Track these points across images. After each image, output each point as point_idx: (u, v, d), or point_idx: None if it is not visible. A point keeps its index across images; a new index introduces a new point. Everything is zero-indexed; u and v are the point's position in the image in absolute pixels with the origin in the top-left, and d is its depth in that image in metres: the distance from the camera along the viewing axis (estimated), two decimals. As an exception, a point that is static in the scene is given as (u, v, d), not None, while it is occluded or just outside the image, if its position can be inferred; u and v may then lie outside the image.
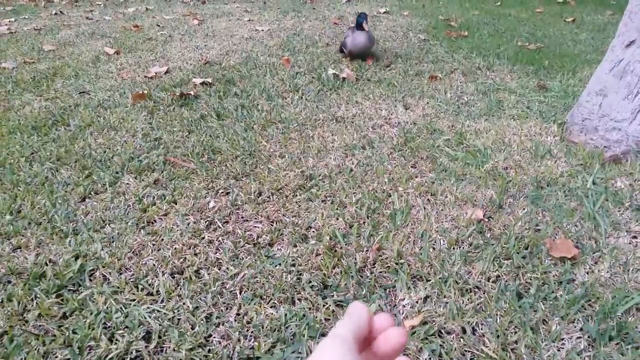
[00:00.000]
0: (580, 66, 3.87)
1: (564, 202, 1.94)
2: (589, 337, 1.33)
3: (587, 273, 1.56)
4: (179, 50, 4.35)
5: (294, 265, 1.61)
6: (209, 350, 1.28)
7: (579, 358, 1.25)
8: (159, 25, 5.45)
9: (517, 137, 2.51)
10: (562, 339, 1.32)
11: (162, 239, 1.71)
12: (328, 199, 1.99)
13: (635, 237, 1.75)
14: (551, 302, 1.44)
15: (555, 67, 3.83)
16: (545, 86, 3.34)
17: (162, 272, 1.55)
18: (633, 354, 1.26)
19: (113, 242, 1.70)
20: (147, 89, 3.27)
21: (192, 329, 1.34)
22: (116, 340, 1.30)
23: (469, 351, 1.29)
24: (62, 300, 1.44)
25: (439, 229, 1.78)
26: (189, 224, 1.81)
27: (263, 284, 1.51)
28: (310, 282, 1.52)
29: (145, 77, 3.58)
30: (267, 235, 1.75)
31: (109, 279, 1.52)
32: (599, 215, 1.83)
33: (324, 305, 1.43)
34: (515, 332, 1.34)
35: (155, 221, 1.83)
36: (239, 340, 1.30)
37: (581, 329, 1.36)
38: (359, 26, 3.66)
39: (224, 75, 3.58)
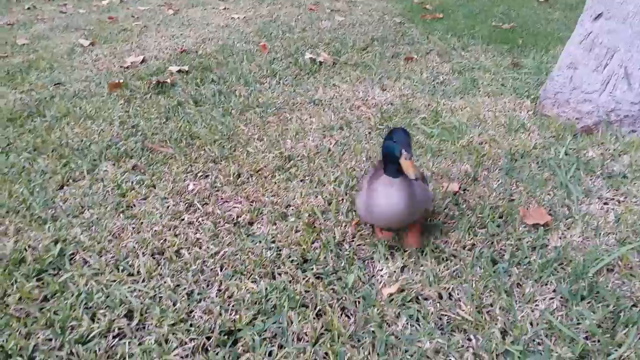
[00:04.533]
0: (553, 43, 3.92)
1: (537, 172, 1.98)
2: (561, 297, 1.37)
3: (560, 238, 1.61)
4: (155, 40, 4.31)
5: (273, 242, 1.63)
6: (191, 325, 1.29)
7: (553, 317, 1.30)
8: (133, 16, 5.39)
9: (492, 113, 2.55)
10: (536, 301, 1.37)
11: (142, 222, 1.72)
12: (307, 178, 2.01)
13: (606, 203, 1.80)
14: (525, 267, 1.48)
15: (529, 45, 3.89)
16: (519, 64, 3.39)
17: (143, 253, 1.56)
18: (603, 311, 1.31)
19: (92, 226, 1.70)
20: (123, 78, 3.24)
21: (174, 305, 1.36)
22: (98, 319, 1.31)
23: (445, 315, 1.32)
24: (42, 283, 1.44)
25: (416, 203, 1.81)
26: (168, 206, 1.82)
27: (243, 260, 1.53)
28: (290, 257, 1.55)
29: (121, 67, 3.56)
30: (246, 215, 1.77)
31: (89, 262, 1.53)
32: (571, 183, 1.88)
33: (303, 278, 1.45)
34: (490, 296, 1.38)
35: (134, 205, 1.84)
36: (220, 314, 1.32)
37: (554, 291, 1.40)
38: (391, 165, 1.40)
39: (201, 62, 3.57)
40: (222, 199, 1.89)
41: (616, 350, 1.20)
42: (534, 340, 1.24)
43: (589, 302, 1.35)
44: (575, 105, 2.33)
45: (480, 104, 2.69)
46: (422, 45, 3.93)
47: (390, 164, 1.38)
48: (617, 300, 1.34)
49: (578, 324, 1.28)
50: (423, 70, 3.30)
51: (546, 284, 1.42)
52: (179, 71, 3.37)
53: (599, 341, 1.23)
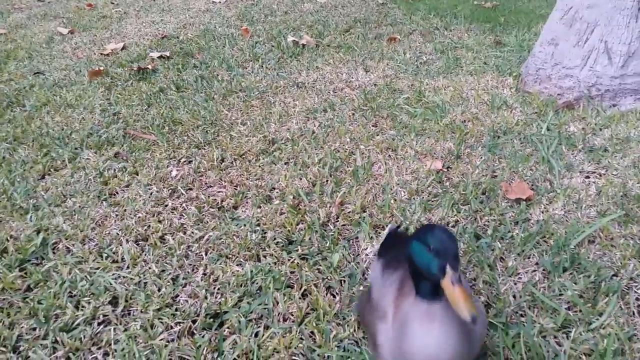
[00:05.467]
0: (535, 21, 3.92)
1: (519, 148, 1.99)
2: (544, 269, 1.39)
3: (542, 212, 1.62)
4: (135, 26, 4.25)
5: (258, 224, 1.62)
6: (176, 309, 1.29)
7: (535, 289, 1.31)
8: (113, 3, 5.31)
9: (475, 92, 2.56)
10: (519, 274, 1.38)
11: (125, 209, 1.71)
12: (291, 161, 2.00)
13: (587, 176, 1.82)
14: (508, 241, 1.50)
15: (511, 24, 3.88)
16: (501, 42, 3.39)
17: (127, 239, 1.55)
18: (585, 281, 1.32)
19: (75, 215, 1.69)
20: (103, 66, 3.20)
21: (159, 290, 1.36)
22: (82, 306, 1.30)
23: (429, 291, 1.33)
24: (25, 273, 1.43)
25: (400, 182, 1.82)
26: (151, 193, 1.81)
27: (228, 244, 1.53)
28: (275, 239, 1.55)
29: (102, 54, 3.50)
30: (231, 199, 1.76)
31: (72, 250, 1.52)
32: (553, 158, 1.89)
33: (289, 260, 1.45)
34: (474, 270, 1.39)
35: (117, 192, 1.82)
36: (205, 297, 1.32)
37: (537, 263, 1.42)
38: (425, 283, 0.88)
39: (182, 48, 3.52)
40: (206, 183, 1.88)
41: (597, 319, 1.22)
42: (517, 312, 1.25)
43: (570, 274, 1.37)
44: (556, 81, 2.33)
45: (463, 82, 2.69)
46: (404, 26, 3.91)
47: (423, 281, 0.87)
48: (598, 270, 1.36)
49: (560, 295, 1.30)
50: (406, 51, 3.29)
51: (529, 257, 1.44)
52: (160, 57, 3.33)
53: (580, 311, 1.25)
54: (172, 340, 1.21)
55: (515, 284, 1.35)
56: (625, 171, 1.81)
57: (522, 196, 1.66)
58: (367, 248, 1.50)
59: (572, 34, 2.28)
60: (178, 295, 1.34)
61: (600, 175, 1.81)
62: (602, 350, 1.13)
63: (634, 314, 1.25)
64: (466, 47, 3.32)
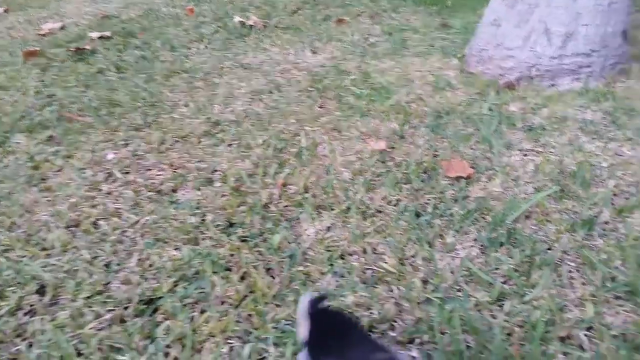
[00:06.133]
0: (481, 3, 3.94)
1: (461, 128, 2.01)
2: (481, 245, 1.41)
3: (481, 189, 1.65)
4: (75, 5, 4.07)
5: (198, 208, 1.58)
6: (108, 297, 1.24)
7: (472, 264, 1.33)
8: (51, -19, 5.05)
9: (420, 73, 2.57)
10: (457, 250, 1.40)
11: (57, 194, 1.63)
12: (234, 142, 1.96)
13: (526, 154, 1.85)
14: (447, 218, 1.51)
15: (457, 6, 3.92)
16: (448, 24, 3.42)
17: (57, 226, 1.48)
18: (520, 255, 1.35)
19: (2, 201, 1.60)
20: (39, 46, 3.04)
21: (90, 277, 1.30)
22: (6, 296, 1.23)
23: (369, 268, 1.33)
24: (-55, 264, 1.35)
25: (344, 162, 1.80)
26: (85, 177, 1.73)
27: (165, 228, 1.48)
28: (214, 222, 1.51)
29: (38, 34, 3.33)
30: (170, 182, 1.71)
31: (-2, 238, 1.44)
32: (493, 137, 1.92)
33: (228, 242, 1.42)
34: (413, 248, 1.39)
35: (48, 177, 1.73)
36: (139, 283, 1.28)
37: (475, 239, 1.43)
38: None
39: (124, 28, 3.39)
40: (144, 167, 1.81)
41: (530, 292, 1.24)
42: (453, 287, 1.27)
43: (507, 248, 1.39)
44: (498, 62, 2.37)
45: (409, 64, 2.70)
46: (353, 8, 3.89)
47: None
48: (533, 244, 1.39)
49: (496, 269, 1.32)
50: (354, 32, 3.27)
51: (467, 234, 1.45)
52: (101, 37, 3.19)
53: (515, 284, 1.27)
54: (102, 328, 1.16)
55: (453, 259, 1.36)
56: (562, 148, 1.86)
57: (462, 174, 1.68)
58: (308, 229, 1.48)
59: (514, 15, 2.31)
60: (110, 282, 1.29)
61: (538, 153, 1.85)
62: (534, 322, 1.15)
63: (565, 285, 1.28)
64: (413, 29, 3.33)
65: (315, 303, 0.80)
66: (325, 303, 0.83)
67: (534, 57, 2.26)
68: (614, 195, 1.62)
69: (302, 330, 0.77)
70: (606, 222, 1.49)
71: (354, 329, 0.73)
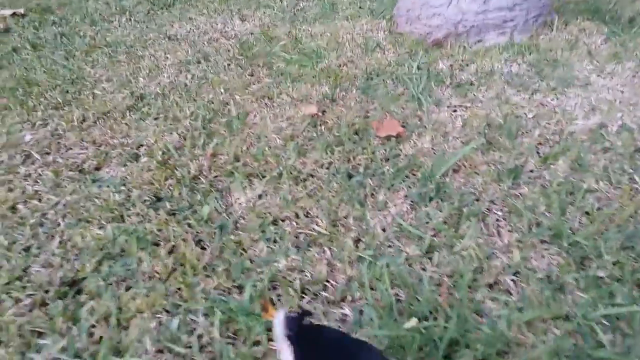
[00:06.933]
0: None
1: (392, 88, 2.01)
2: (411, 201, 1.42)
3: (411, 147, 1.66)
4: (-17, -18, 3.78)
5: (123, 184, 1.52)
6: (28, 281, 1.18)
7: (402, 220, 1.34)
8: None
9: (350, 36, 2.54)
10: (388, 207, 1.40)
11: (-32, 181, 1.53)
12: (160, 115, 1.89)
13: (455, 110, 1.88)
14: (378, 177, 1.51)
15: (388, -32, 3.90)
16: (378, -14, 3.39)
17: (-31, 214, 1.39)
18: (449, 208, 1.37)
19: None
20: (-56, 27, 2.82)
21: (8, 263, 1.23)
22: None
23: (302, 232, 1.32)
24: None
25: (275, 129, 1.77)
26: (2, 161, 1.63)
27: (88, 208, 1.42)
28: (141, 197, 1.45)
29: (-58, 14, 3.09)
30: (93, 160, 1.63)
31: None
32: (422, 95, 1.93)
33: (156, 217, 1.37)
34: (345, 208, 1.39)
35: (-41, 164, 1.62)
36: (61, 265, 1.22)
37: (405, 196, 1.44)
38: None
39: (39, 4, 3.19)
40: (65, 146, 1.72)
41: (459, 243, 1.27)
42: (385, 244, 1.27)
43: (436, 202, 1.41)
44: (425, 21, 2.37)
45: (339, 27, 2.67)
46: (283, -27, 3.80)
47: None
48: (461, 196, 1.41)
49: (426, 223, 1.34)
50: (284, -2, 3.20)
51: (398, 191, 1.46)
52: (14, 14, 2.99)
53: (444, 236, 1.29)
54: (23, 314, 1.10)
55: (384, 217, 1.37)
56: (489, 102, 1.89)
57: (392, 133, 1.68)
58: (239, 197, 1.45)
59: (438, -27, 2.31)
60: (30, 266, 1.23)
61: (466, 108, 1.88)
62: (463, 270, 1.18)
63: (493, 234, 1.31)
64: (343, -8, 3.29)
65: (293, 321, 0.69)
66: (307, 320, 0.71)
67: (460, 13, 2.27)
68: (539, 144, 1.66)
69: (284, 357, 0.65)
70: (531, 171, 1.53)
71: (347, 345, 0.65)
